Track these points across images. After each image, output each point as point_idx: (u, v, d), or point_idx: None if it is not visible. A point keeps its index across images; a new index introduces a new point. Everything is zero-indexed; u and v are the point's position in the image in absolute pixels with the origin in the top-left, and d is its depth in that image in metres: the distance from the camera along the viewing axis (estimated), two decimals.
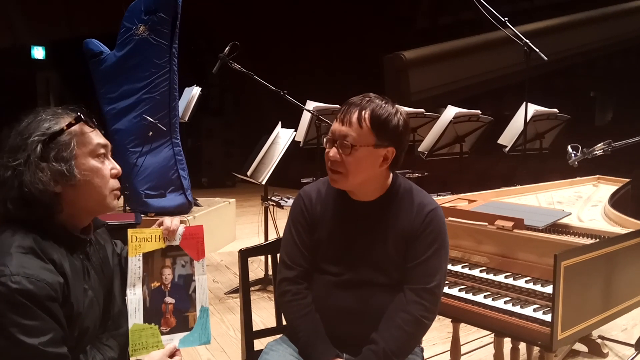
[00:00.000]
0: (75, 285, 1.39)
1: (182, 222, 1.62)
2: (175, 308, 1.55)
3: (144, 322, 1.50)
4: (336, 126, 1.71)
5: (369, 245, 1.75)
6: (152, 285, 1.53)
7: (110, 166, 1.47)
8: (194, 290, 1.58)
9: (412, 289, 1.71)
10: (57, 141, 1.38)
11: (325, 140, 1.75)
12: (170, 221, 1.57)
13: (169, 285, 1.55)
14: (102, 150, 1.46)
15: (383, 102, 1.71)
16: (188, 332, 1.56)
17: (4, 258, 1.29)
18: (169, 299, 1.54)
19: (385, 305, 1.73)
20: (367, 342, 1.70)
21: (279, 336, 1.94)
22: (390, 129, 1.68)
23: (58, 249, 1.37)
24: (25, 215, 1.35)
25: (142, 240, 1.53)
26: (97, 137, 1.45)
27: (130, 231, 1.52)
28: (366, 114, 1.67)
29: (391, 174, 1.79)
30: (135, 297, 1.50)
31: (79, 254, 1.45)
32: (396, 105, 1.73)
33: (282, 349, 1.82)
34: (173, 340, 1.53)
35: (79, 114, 1.43)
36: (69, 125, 1.40)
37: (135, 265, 1.51)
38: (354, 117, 1.68)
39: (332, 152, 1.70)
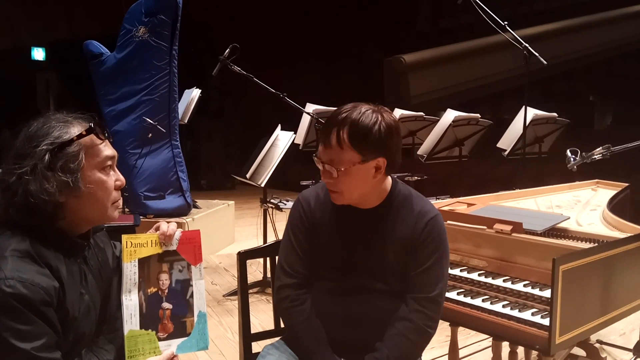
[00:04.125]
0: (72, 289, 1.38)
1: (179, 225, 1.61)
2: (173, 314, 1.53)
3: (141, 328, 1.48)
4: (320, 150, 1.69)
5: (367, 252, 1.75)
6: (149, 290, 1.51)
7: (114, 177, 1.45)
8: (192, 296, 1.56)
9: (415, 298, 1.70)
10: (66, 151, 1.35)
11: (315, 159, 1.72)
12: (167, 226, 1.54)
13: (166, 291, 1.53)
14: (110, 163, 1.44)
15: (363, 109, 1.64)
16: (186, 338, 1.54)
17: None
18: (166, 305, 1.53)
19: (383, 311, 1.73)
20: (365, 348, 1.70)
21: (276, 339, 1.94)
22: (373, 141, 1.62)
23: (55, 253, 1.36)
24: (26, 221, 1.34)
25: (138, 246, 1.51)
26: (106, 149, 1.43)
27: (124, 237, 1.50)
28: (344, 134, 1.61)
29: (390, 180, 1.78)
30: (131, 303, 1.49)
31: (77, 258, 1.44)
32: (380, 109, 1.66)
33: (279, 353, 1.81)
34: (171, 346, 1.52)
35: (90, 125, 1.40)
36: (80, 136, 1.37)
37: (130, 271, 1.49)
38: (333, 139, 1.63)
39: (323, 176, 1.69)
